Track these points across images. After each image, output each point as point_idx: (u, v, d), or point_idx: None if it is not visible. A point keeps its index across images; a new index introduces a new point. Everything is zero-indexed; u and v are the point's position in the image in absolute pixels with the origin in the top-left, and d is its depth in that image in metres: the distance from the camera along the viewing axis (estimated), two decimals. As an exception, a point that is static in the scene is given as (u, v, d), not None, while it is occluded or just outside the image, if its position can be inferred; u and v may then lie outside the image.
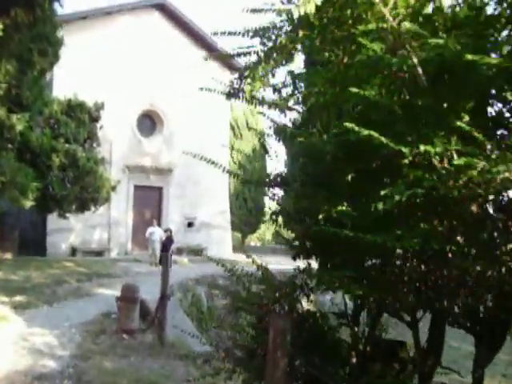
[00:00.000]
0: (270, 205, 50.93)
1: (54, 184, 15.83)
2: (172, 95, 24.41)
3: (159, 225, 21.25)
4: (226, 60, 25.27)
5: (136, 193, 23.27)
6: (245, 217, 38.45)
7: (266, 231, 57.42)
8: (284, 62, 3.74)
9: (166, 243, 17.84)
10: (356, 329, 3.86)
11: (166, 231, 18.40)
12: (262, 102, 3.83)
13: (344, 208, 3.18)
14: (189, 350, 6.49)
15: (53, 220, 19.54)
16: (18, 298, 10.08)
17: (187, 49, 25.11)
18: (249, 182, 4.57)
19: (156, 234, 19.64)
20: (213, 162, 4.13)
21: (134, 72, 23.25)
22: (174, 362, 6.74)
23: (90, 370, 6.34)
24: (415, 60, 2.73)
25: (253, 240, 51.66)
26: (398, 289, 3.40)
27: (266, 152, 4.31)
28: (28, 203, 12.59)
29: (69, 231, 20.89)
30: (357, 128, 2.68)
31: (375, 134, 2.66)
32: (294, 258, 4.21)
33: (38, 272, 14.48)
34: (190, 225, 24.71)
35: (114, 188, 17.93)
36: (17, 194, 12.10)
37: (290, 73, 3.73)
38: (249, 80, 3.71)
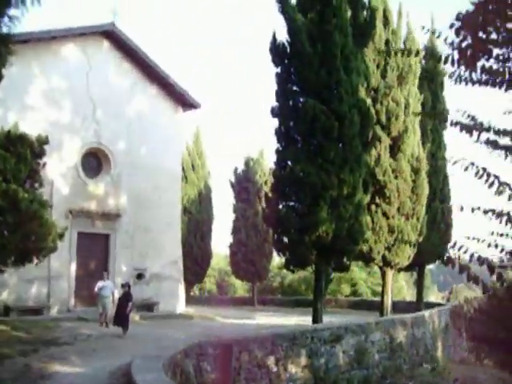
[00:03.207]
0: (218, 250, 48.95)
1: (-10, 231, 12.92)
2: (120, 132, 22.07)
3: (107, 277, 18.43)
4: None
5: (80, 241, 20.36)
6: (191, 266, 35.71)
7: (207, 280, 54.71)
8: None
9: (123, 301, 15.13)
10: None
11: (123, 286, 15.68)
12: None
13: None
14: None
15: (-19, 274, 16.36)
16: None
17: (138, 82, 22.95)
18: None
19: (107, 288, 16.94)
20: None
21: (79, 106, 20.78)
22: None
23: None
24: None
25: (192, 290, 48.69)
26: None
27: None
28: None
29: (0, 287, 17.70)
30: None
31: None
32: None
33: (-33, 342, 11.55)
34: (139, 276, 21.94)
35: (61, 236, 15.06)
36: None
37: None
38: None
